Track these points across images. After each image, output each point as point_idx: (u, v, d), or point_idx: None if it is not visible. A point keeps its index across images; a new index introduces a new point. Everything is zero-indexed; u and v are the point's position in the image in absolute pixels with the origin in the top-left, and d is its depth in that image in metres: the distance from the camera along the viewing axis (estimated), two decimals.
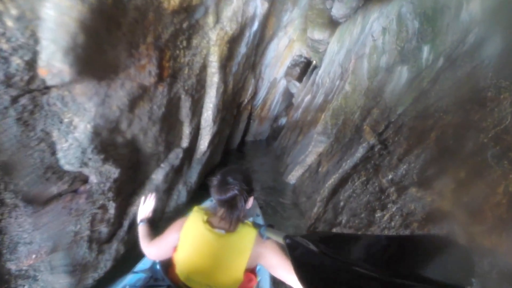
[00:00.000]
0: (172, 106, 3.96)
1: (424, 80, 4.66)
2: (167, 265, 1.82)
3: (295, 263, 1.01)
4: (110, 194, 3.04)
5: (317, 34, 10.58)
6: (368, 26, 7.06)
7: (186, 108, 4.36)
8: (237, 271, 1.52)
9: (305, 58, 12.54)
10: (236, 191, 1.56)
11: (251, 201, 1.68)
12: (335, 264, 0.91)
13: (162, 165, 4.26)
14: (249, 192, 1.64)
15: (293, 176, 8.22)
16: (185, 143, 4.87)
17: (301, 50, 12.23)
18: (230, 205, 1.58)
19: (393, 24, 5.93)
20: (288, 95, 14.68)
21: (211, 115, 5.26)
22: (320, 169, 6.95)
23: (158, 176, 4.14)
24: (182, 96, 4.13)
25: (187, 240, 1.61)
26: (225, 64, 5.26)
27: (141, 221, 2.05)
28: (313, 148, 7.67)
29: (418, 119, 4.28)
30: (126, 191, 3.46)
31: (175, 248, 1.67)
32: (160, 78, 3.34)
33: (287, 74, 13.17)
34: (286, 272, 1.48)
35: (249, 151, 12.49)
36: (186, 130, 4.74)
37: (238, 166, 2.15)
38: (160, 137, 3.86)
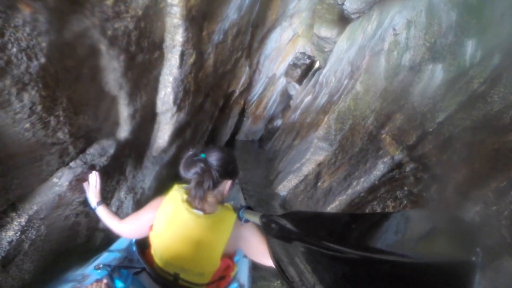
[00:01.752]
0: (75, 60, 2.29)
1: (474, 81, 3.76)
2: (144, 246, 1.73)
3: (270, 241, 1.10)
4: None
5: (325, 31, 9.79)
6: (388, 20, 5.99)
7: (114, 72, 2.67)
8: (214, 255, 1.46)
9: (308, 57, 11.88)
10: (198, 169, 1.46)
11: (228, 185, 1.58)
12: (307, 243, 0.89)
13: (71, 164, 2.64)
14: (225, 175, 1.53)
15: (284, 187, 6.66)
16: (124, 131, 3.19)
17: (305, 47, 11.47)
18: (196, 182, 1.47)
19: (421, 17, 5.04)
20: (286, 97, 13.76)
21: (172, 95, 3.56)
22: (319, 183, 5.52)
23: (62, 180, 2.55)
24: (102, 47, 2.43)
25: (163, 218, 1.52)
26: (199, 22, 3.60)
27: (98, 203, 1.98)
28: (312, 155, 6.32)
29: (480, 132, 3.16)
30: None
31: (151, 227, 1.58)
32: None
33: (287, 74, 12.43)
34: (265, 257, 1.35)
35: (238, 151, 11.03)
36: (124, 111, 3.06)
37: (220, 146, 1.83)
38: (52, 117, 2.24)
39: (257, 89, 11.06)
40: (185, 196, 1.54)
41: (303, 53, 11.84)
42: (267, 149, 11.24)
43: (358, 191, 4.20)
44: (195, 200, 1.49)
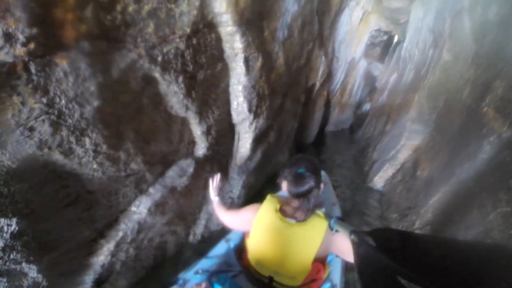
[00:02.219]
0: (131, 94, 2.25)
1: None
2: (240, 250, 1.97)
3: (357, 260, 1.06)
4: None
5: (396, 2, 9.19)
6: None
7: (176, 96, 2.58)
8: (305, 260, 1.55)
9: (385, 33, 11.18)
10: (312, 183, 1.58)
11: (321, 187, 1.66)
12: (391, 269, 0.88)
13: (151, 189, 2.67)
14: (319, 184, 1.63)
15: (380, 178, 6.11)
16: (201, 149, 3.15)
17: (379, 23, 10.65)
18: (306, 197, 1.59)
19: None
20: (371, 79, 12.88)
21: (245, 103, 3.41)
22: (418, 172, 4.91)
23: (140, 208, 2.61)
24: (156, 74, 2.34)
25: (259, 227, 1.65)
26: (257, 23, 3.38)
27: (216, 196, 2.20)
28: (407, 140, 5.66)
29: None
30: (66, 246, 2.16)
31: (247, 234, 1.73)
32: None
33: (367, 55, 11.64)
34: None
35: (329, 144, 10.42)
36: (197, 130, 2.99)
37: (305, 156, 1.77)
38: (121, 151, 2.27)
39: (338, 76, 10.44)
40: (278, 206, 1.64)
41: (379, 30, 11.11)
42: (358, 137, 10.57)
43: (463, 179, 3.61)
44: (295, 212, 1.62)
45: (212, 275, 1.91)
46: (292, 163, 1.67)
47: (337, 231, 1.47)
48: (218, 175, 2.34)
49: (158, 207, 2.74)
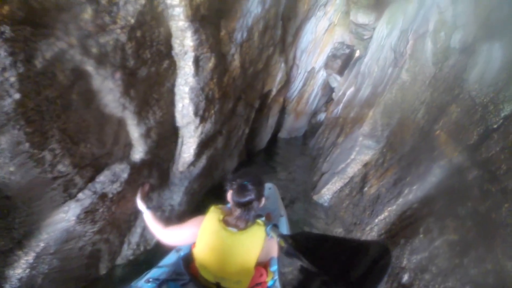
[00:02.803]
0: (57, 89, 1.94)
1: None
2: (189, 260, 1.97)
3: (279, 261, 1.47)
4: None
5: (362, 18, 8.74)
6: None
7: (112, 93, 2.30)
8: (248, 265, 1.67)
9: (347, 46, 10.90)
10: (253, 196, 1.70)
11: (262, 201, 1.79)
12: (306, 268, 1.12)
13: (80, 195, 2.38)
14: (262, 194, 1.77)
15: (328, 190, 6.00)
16: (138, 153, 2.84)
17: (343, 36, 10.46)
18: (247, 207, 1.70)
19: None
20: (328, 90, 12.71)
21: (191, 106, 3.15)
22: (366, 188, 4.88)
23: (69, 215, 2.32)
24: (88, 68, 2.05)
25: (204, 237, 1.74)
26: (214, 21, 3.15)
27: (148, 208, 2.19)
28: (357, 155, 5.62)
29: None
30: None
31: (194, 244, 1.81)
32: None
33: (328, 66, 11.38)
34: None
35: (280, 151, 10.34)
36: (134, 132, 2.68)
37: (252, 170, 2.15)
38: (47, 151, 1.99)
39: (297, 84, 10.45)
40: (221, 216, 1.75)
41: (342, 43, 10.99)
42: (310, 146, 10.53)
43: (410, 201, 3.57)
44: (236, 221, 1.73)
45: (162, 284, 1.95)
46: (240, 175, 1.80)
47: (272, 237, 1.63)
48: (147, 185, 2.36)
49: (88, 215, 2.44)
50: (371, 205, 4.30)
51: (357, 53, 10.63)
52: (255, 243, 1.67)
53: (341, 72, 11.12)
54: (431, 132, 3.80)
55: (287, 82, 8.62)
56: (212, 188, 4.95)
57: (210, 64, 3.13)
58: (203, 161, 3.98)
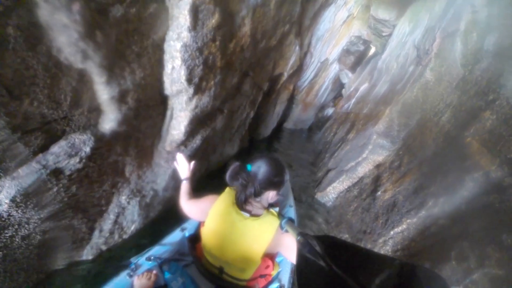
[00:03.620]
0: None
1: None
2: (194, 240, 1.92)
3: (298, 259, 1.09)
4: None
5: (382, 13, 8.84)
6: None
7: (67, 33, 1.64)
8: (256, 253, 1.52)
9: (363, 42, 10.91)
10: (240, 182, 1.55)
11: (271, 194, 1.60)
12: (332, 275, 0.92)
13: (20, 170, 1.79)
14: (269, 186, 1.57)
15: (334, 189, 5.47)
16: (109, 121, 2.19)
17: (360, 30, 10.34)
18: (239, 190, 1.57)
19: None
20: (339, 85, 12.63)
21: (184, 70, 2.48)
22: (379, 192, 4.32)
23: (1, 197, 1.76)
24: None
25: (214, 217, 1.62)
26: None
27: (185, 179, 1.99)
28: (370, 154, 5.12)
29: None
30: None
31: (203, 223, 1.70)
32: None
33: (340, 61, 11.43)
34: None
35: (285, 141, 9.79)
36: (102, 93, 2.02)
37: (271, 157, 1.68)
38: None
39: (308, 74, 9.84)
40: (234, 199, 1.63)
41: (359, 37, 10.73)
42: (316, 140, 10.07)
43: (435, 215, 3.01)
44: (240, 203, 1.57)
45: (164, 263, 1.89)
46: (257, 157, 1.63)
47: (286, 231, 1.46)
48: (181, 155, 2.06)
49: (30, 197, 1.85)
50: (385, 213, 3.73)
51: (372, 51, 10.66)
52: (266, 233, 1.52)
53: (353, 68, 11.20)
54: (460, 139, 3.36)
55: (299, 69, 8.09)
56: (208, 174, 4.43)
57: (213, 21, 2.48)
58: (197, 141, 3.37)
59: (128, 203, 2.83)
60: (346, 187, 5.31)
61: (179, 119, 2.88)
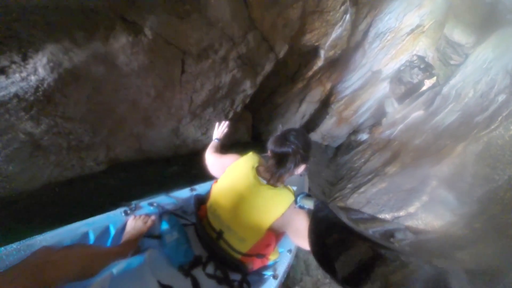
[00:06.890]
0: None
1: None
2: (201, 201, 1.81)
3: (313, 221, 1.03)
4: None
5: (459, 35, 7.70)
6: None
7: None
8: (262, 223, 1.39)
9: (424, 69, 9.19)
10: (290, 149, 1.42)
11: (302, 168, 1.51)
12: (348, 231, 0.85)
13: None
14: (303, 158, 1.46)
15: None
16: None
17: (426, 51, 8.84)
18: (280, 160, 1.44)
19: None
20: (381, 113, 10.60)
21: None
22: None
23: None
24: None
25: (231, 174, 1.55)
26: None
27: (216, 139, 2.05)
28: (422, 210, 3.47)
29: None
30: None
31: (216, 180, 1.64)
32: None
33: (389, 88, 9.82)
34: (306, 241, 1.19)
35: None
36: None
37: (303, 130, 1.65)
38: None
39: (354, 80, 7.73)
40: (256, 164, 1.52)
41: (422, 58, 9.06)
42: (341, 162, 8.36)
43: None
44: (269, 174, 1.46)
45: (165, 213, 1.78)
46: (288, 129, 1.53)
47: (300, 206, 1.34)
48: (226, 123, 2.08)
49: None
50: None
51: (428, 84, 9.23)
52: (280, 204, 1.35)
53: (401, 99, 9.72)
54: None
55: (344, 59, 6.11)
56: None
57: None
58: None
59: None
60: None
61: None
